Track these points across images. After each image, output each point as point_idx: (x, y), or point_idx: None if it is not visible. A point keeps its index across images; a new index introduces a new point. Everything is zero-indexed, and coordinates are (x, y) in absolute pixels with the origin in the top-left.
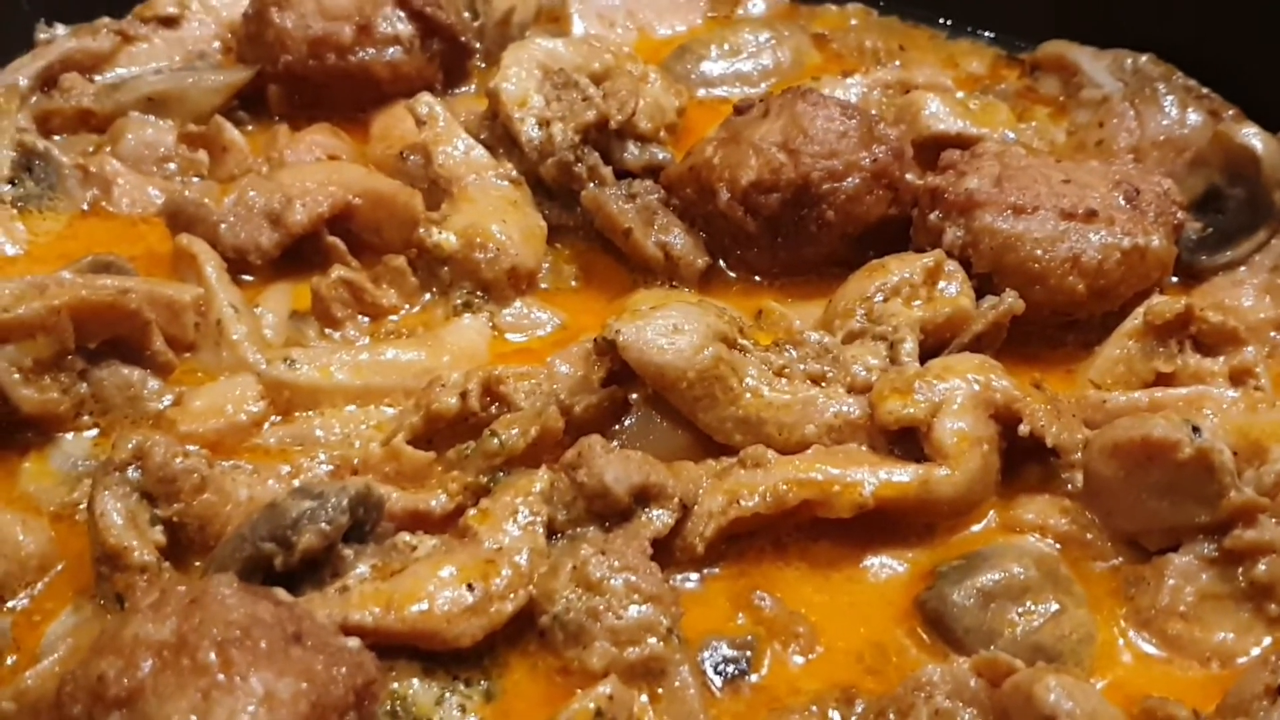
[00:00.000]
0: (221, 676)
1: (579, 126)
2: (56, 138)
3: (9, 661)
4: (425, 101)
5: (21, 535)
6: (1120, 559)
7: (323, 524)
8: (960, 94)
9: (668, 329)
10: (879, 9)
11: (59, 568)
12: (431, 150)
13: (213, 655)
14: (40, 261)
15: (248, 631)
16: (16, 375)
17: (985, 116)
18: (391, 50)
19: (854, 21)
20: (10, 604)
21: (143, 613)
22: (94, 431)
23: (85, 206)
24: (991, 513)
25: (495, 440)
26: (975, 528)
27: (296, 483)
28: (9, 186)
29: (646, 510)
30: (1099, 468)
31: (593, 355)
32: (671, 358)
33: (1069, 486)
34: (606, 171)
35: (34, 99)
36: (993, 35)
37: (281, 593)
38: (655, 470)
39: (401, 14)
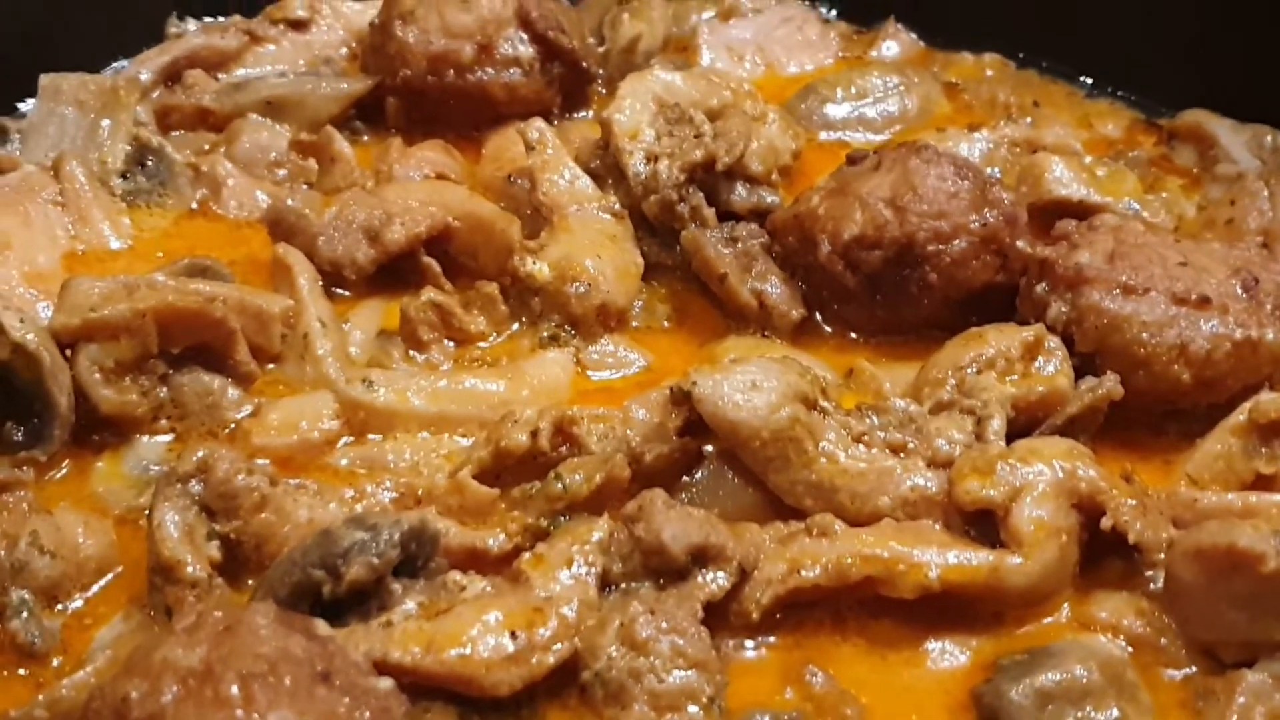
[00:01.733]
0: (240, 713)
1: (685, 165)
2: (174, 134)
3: (55, 663)
4: (536, 127)
5: (82, 537)
6: (1194, 669)
7: (372, 557)
8: (1089, 158)
9: (746, 385)
10: (1018, 61)
11: (117, 571)
12: (537, 177)
13: (235, 689)
14: (142, 258)
15: (274, 667)
16: (98, 375)
17: (1111, 184)
18: (510, 72)
19: (989, 72)
20: (64, 605)
21: (176, 636)
22: (169, 437)
23: (194, 205)
24: (1066, 606)
25: (559, 484)
26: (1047, 620)
27: (359, 508)
28: (121, 180)
29: (703, 571)
30: (1180, 571)
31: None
32: (746, 415)
33: (1151, 586)
34: (709, 213)
35: (156, 93)
36: (1133, 98)
37: (321, 625)
38: (716, 531)
39: (524, 36)
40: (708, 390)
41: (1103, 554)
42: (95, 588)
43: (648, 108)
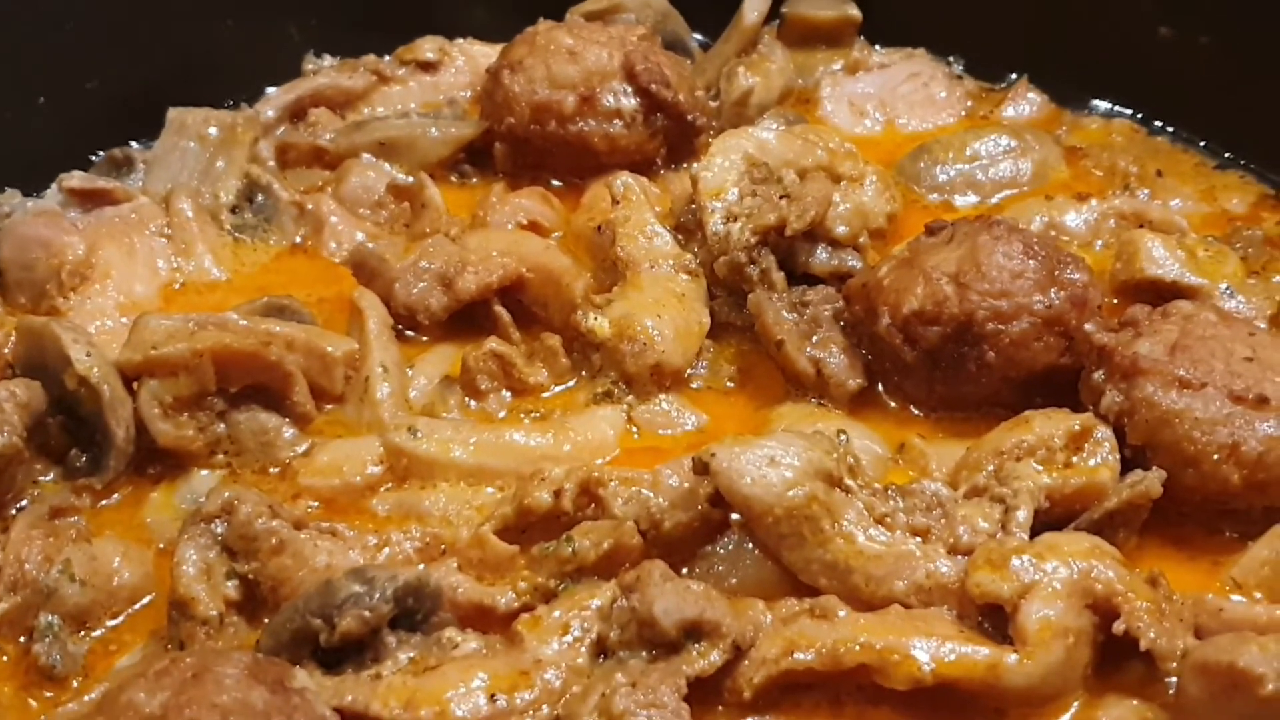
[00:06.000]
0: None
1: (758, 228)
2: (292, 170)
3: (74, 685)
4: (622, 181)
5: (119, 565)
6: None
7: (365, 610)
8: (1193, 237)
9: (763, 460)
10: (1151, 127)
11: (146, 600)
12: (617, 232)
13: None
14: (239, 291)
15: (225, 718)
16: (157, 409)
17: (1211, 266)
18: (612, 123)
19: (1117, 138)
20: (93, 631)
21: (145, 679)
22: (224, 471)
23: (298, 240)
24: (1075, 706)
25: (569, 547)
26: None
27: (381, 556)
28: (230, 214)
29: (696, 645)
30: (1187, 684)
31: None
32: (760, 491)
33: (1170, 693)
34: (779, 277)
35: (281, 129)
36: (1267, 173)
37: (300, 676)
38: (712, 606)
39: (628, 88)
40: (724, 463)
41: (1126, 655)
42: (124, 615)
43: (736, 166)
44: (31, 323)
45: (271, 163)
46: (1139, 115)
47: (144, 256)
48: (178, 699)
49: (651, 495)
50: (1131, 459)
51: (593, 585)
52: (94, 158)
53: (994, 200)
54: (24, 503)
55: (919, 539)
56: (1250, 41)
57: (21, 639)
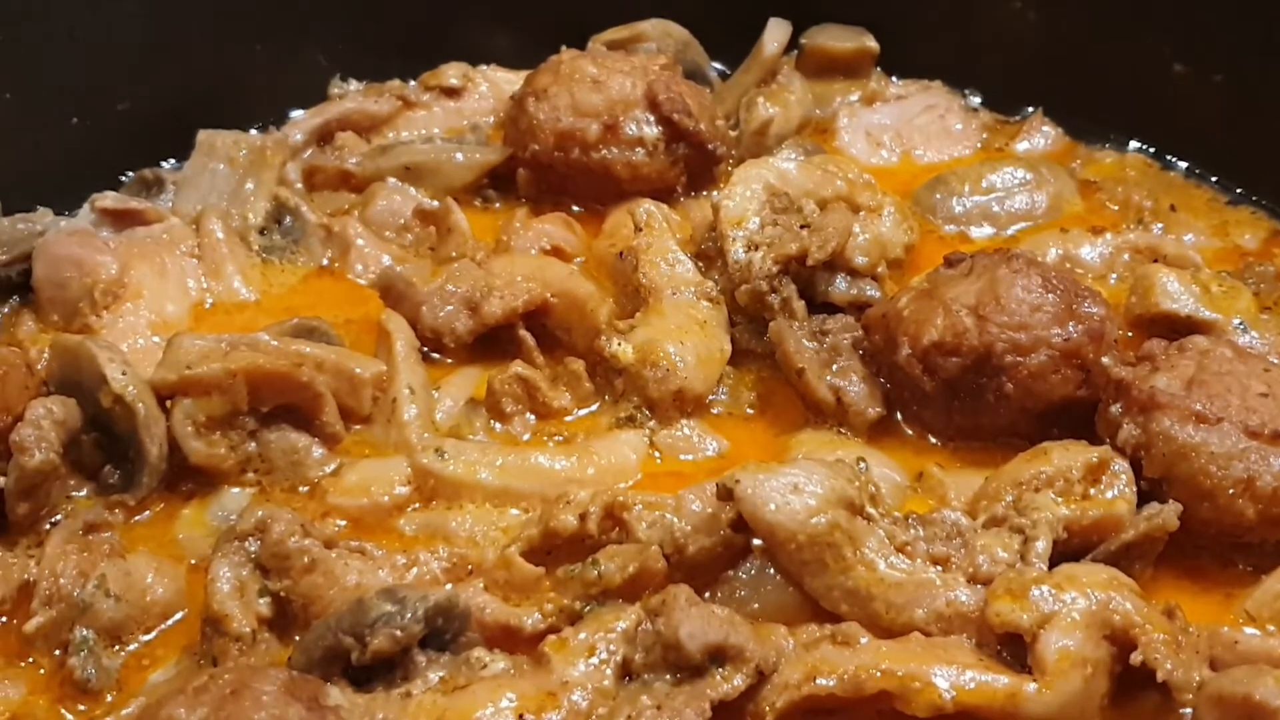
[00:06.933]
0: None
1: (780, 257)
2: (319, 193)
3: (108, 699)
4: (645, 209)
5: (152, 581)
6: None
7: (396, 630)
8: (1207, 272)
9: (787, 487)
10: (1163, 162)
11: (179, 616)
12: (640, 258)
13: None
14: (267, 312)
15: None
16: (190, 428)
17: (1224, 301)
18: (635, 151)
19: (1131, 172)
20: (127, 646)
21: (184, 695)
22: (254, 489)
23: (325, 262)
24: None
25: (595, 570)
26: None
27: (410, 576)
28: (259, 236)
29: (720, 670)
30: (1203, 715)
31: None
32: (783, 518)
33: None
34: (799, 305)
35: (308, 152)
36: (1278, 209)
37: (332, 694)
38: (736, 631)
39: (650, 117)
40: (748, 490)
41: (1141, 686)
42: (157, 630)
43: (757, 195)
44: (66, 341)
45: (299, 185)
46: (1153, 150)
47: (175, 276)
48: (217, 714)
49: (675, 519)
50: (1148, 491)
51: (618, 608)
52: (124, 178)
53: (1009, 232)
54: (58, 518)
55: (939, 568)
56: (1263, 80)
57: (56, 653)
